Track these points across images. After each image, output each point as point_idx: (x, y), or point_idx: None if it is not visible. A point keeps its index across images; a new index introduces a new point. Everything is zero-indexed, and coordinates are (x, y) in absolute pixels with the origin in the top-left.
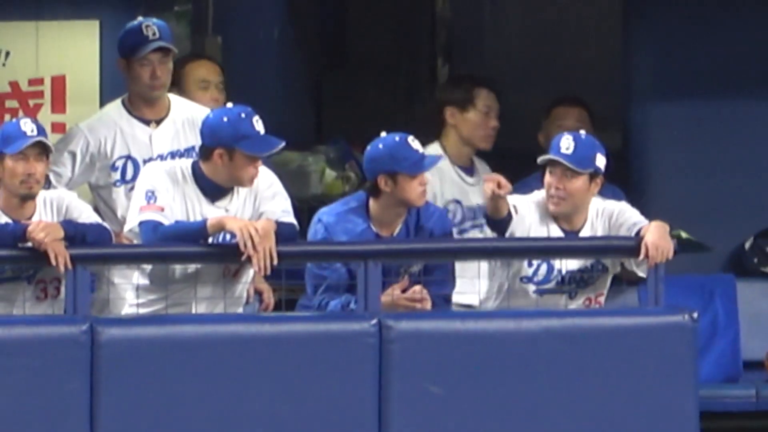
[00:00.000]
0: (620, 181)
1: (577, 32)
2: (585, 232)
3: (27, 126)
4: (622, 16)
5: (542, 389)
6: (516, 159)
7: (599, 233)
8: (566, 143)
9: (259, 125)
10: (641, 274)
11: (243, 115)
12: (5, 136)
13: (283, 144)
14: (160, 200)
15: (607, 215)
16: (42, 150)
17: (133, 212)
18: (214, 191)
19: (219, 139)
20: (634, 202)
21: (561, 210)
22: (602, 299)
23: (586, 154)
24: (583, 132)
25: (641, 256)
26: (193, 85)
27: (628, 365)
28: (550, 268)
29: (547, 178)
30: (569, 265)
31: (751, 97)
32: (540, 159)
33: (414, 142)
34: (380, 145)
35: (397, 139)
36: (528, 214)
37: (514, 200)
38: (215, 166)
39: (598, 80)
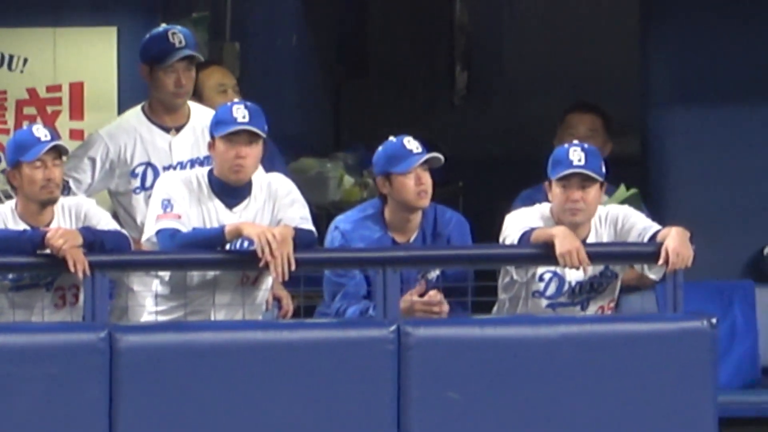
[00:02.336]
0: (639, 187)
1: (595, 38)
2: (591, 241)
3: (40, 132)
4: (641, 22)
5: (560, 395)
6: (534, 166)
7: (605, 240)
8: (577, 155)
9: (238, 111)
10: (653, 276)
11: (228, 104)
12: (19, 144)
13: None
14: (176, 208)
15: (612, 221)
16: (57, 154)
17: (150, 222)
18: (230, 196)
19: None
20: (652, 208)
21: (581, 220)
22: (614, 305)
23: (597, 163)
24: (585, 144)
25: (660, 262)
26: (211, 91)
27: (646, 372)
28: (561, 283)
29: (561, 191)
30: (579, 275)
31: None
32: (562, 174)
33: (410, 143)
34: (380, 148)
35: (394, 140)
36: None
37: (520, 214)
38: (212, 154)
39: (617, 86)
